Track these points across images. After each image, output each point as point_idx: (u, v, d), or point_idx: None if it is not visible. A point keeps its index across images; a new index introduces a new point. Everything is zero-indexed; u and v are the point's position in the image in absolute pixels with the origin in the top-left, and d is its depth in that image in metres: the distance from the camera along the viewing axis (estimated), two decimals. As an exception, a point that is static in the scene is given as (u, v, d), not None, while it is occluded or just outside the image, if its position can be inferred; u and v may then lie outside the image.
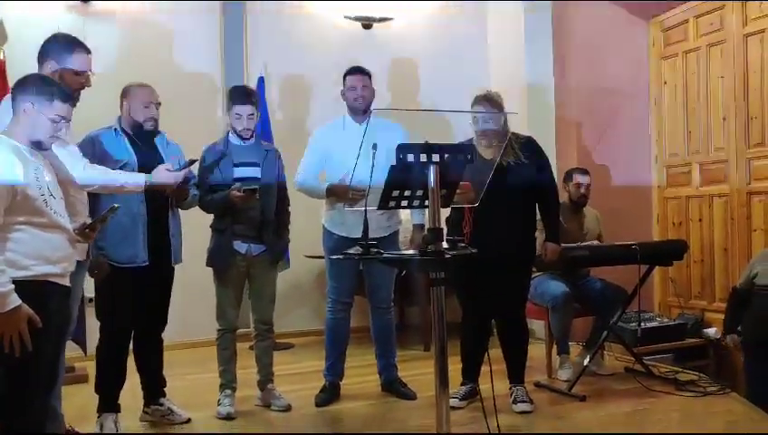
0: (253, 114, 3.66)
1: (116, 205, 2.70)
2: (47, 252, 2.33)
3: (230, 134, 3.72)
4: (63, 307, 2.48)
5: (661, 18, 5.65)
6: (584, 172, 4.59)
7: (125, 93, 3.44)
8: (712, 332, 5.10)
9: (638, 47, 5.75)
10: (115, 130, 3.40)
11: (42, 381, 2.37)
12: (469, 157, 2.58)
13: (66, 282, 2.43)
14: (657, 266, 4.44)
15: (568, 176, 4.54)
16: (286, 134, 5.28)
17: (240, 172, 3.63)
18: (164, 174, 3.16)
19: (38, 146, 2.42)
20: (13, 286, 2.21)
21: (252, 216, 3.61)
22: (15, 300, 2.21)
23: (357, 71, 3.88)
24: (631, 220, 5.53)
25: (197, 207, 3.66)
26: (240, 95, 3.70)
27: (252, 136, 3.70)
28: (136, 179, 3.10)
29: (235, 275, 3.65)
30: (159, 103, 3.45)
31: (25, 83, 2.43)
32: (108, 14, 5.22)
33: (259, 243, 3.65)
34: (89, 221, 2.62)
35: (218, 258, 3.63)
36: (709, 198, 5.30)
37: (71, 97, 2.51)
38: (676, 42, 5.55)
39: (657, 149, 5.75)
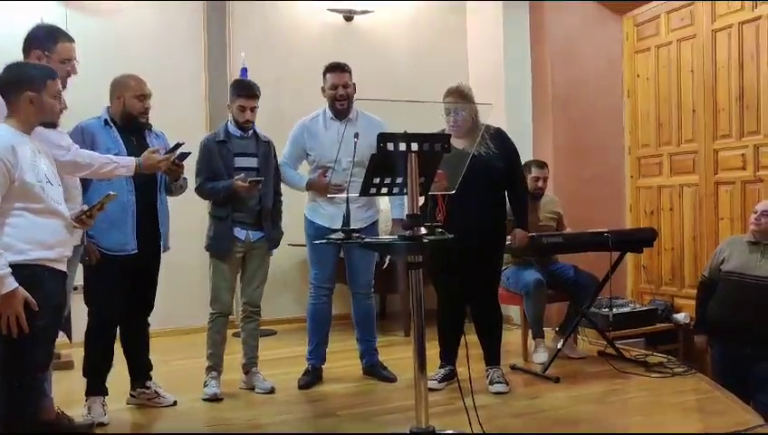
0: (255, 107, 3.78)
1: (112, 192, 2.79)
2: (43, 237, 2.41)
3: (229, 124, 3.82)
4: (59, 291, 2.55)
5: (635, 13, 5.80)
6: (541, 165, 4.73)
7: (118, 85, 3.47)
8: (681, 317, 5.28)
9: (613, 41, 5.89)
10: (105, 120, 3.45)
11: (37, 362, 2.45)
12: (446, 146, 2.70)
13: (62, 267, 2.51)
14: (628, 253, 4.62)
15: (526, 167, 4.58)
16: (268, 125, 5.30)
17: (240, 162, 3.74)
18: (153, 157, 3.21)
19: (50, 125, 2.55)
20: (10, 270, 2.29)
21: (251, 204, 3.74)
22: (13, 283, 2.29)
23: (337, 68, 3.93)
24: (605, 209, 5.69)
25: (196, 193, 3.76)
26: (246, 88, 3.82)
27: (251, 128, 3.81)
28: (127, 162, 3.16)
29: (233, 260, 3.76)
30: (151, 95, 3.51)
31: (12, 76, 2.49)
32: (90, 7, 5.26)
33: (257, 230, 3.77)
34: (85, 208, 2.69)
35: (219, 244, 3.74)
36: (679, 187, 5.47)
37: (54, 72, 2.61)
38: (649, 36, 5.70)
39: (630, 140, 5.91)
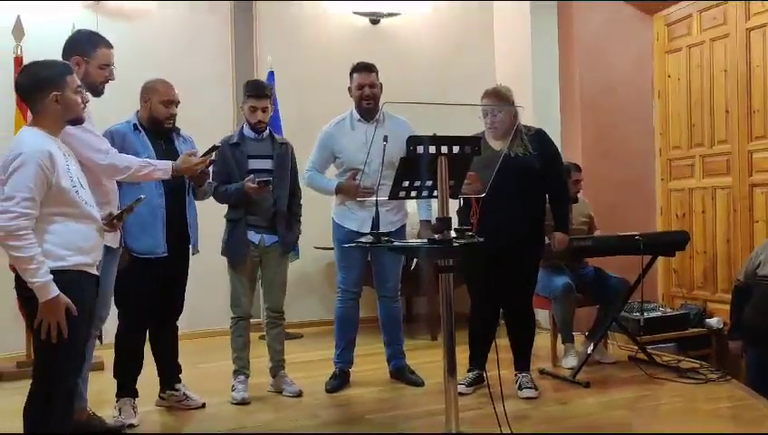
0: (267, 108, 3.75)
1: (142, 196, 2.81)
2: (80, 242, 2.42)
3: (244, 127, 3.81)
4: (94, 295, 2.57)
5: (665, 13, 5.71)
6: (578, 168, 4.67)
7: (147, 89, 3.49)
8: (714, 322, 5.18)
9: (643, 42, 5.81)
10: (134, 125, 3.47)
11: (74, 365, 2.47)
12: (476, 149, 2.67)
13: (96, 271, 2.52)
14: (659, 257, 4.54)
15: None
16: (295, 128, 5.35)
17: (254, 164, 3.72)
18: (190, 160, 3.22)
19: (76, 121, 2.52)
20: (52, 277, 2.30)
21: (265, 207, 3.71)
22: (55, 290, 2.30)
23: (363, 68, 3.90)
24: (635, 213, 5.61)
25: (213, 198, 3.74)
26: (255, 88, 3.78)
27: (266, 129, 3.79)
28: (164, 165, 3.18)
29: (248, 264, 3.75)
30: (179, 102, 3.52)
31: (31, 79, 2.45)
32: (120, 12, 5.33)
33: (272, 233, 3.75)
34: (115, 211, 2.71)
35: (232, 248, 3.73)
36: (712, 190, 5.37)
37: (69, 67, 2.59)
38: (680, 36, 5.61)
39: (660, 142, 5.82)
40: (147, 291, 3.44)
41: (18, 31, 4.50)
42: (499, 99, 3.64)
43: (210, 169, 3.63)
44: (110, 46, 3.12)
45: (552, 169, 3.74)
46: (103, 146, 2.97)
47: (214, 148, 3.35)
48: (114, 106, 3.53)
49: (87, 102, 2.65)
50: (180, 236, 3.51)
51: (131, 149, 3.36)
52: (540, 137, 3.75)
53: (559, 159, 3.85)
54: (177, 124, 3.61)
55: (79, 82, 2.55)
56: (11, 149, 2.39)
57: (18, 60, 4.45)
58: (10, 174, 2.30)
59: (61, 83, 2.44)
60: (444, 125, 2.96)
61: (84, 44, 3.05)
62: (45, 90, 2.42)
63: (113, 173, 2.96)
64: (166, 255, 3.43)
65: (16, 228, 2.26)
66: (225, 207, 3.83)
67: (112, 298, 3.25)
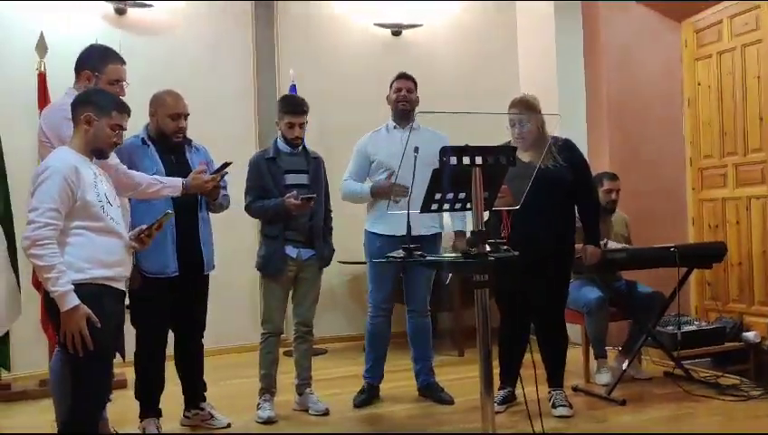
0: (303, 123, 3.72)
1: (169, 211, 2.76)
2: (103, 256, 2.42)
3: (279, 141, 3.77)
4: (118, 310, 2.56)
5: (694, 19, 5.60)
6: (613, 177, 4.56)
7: (154, 100, 3.41)
8: (752, 336, 5.00)
9: (671, 48, 5.69)
10: (143, 139, 3.40)
11: (103, 380, 2.44)
12: (512, 159, 2.58)
13: (121, 286, 2.51)
14: (694, 269, 4.40)
15: (597, 180, 4.50)
16: (317, 140, 5.30)
17: (290, 179, 3.68)
18: (200, 178, 3.17)
19: (99, 154, 2.53)
20: (72, 287, 2.31)
21: (302, 222, 3.67)
22: (75, 299, 2.31)
23: (403, 76, 3.96)
24: (666, 223, 5.47)
25: (246, 212, 3.70)
26: (293, 105, 3.77)
27: (301, 144, 3.75)
28: (173, 183, 3.12)
29: (285, 279, 3.70)
30: (188, 114, 3.43)
31: (85, 95, 2.56)
32: (143, 26, 5.32)
33: (308, 247, 3.71)
34: (143, 227, 2.67)
35: (271, 264, 3.67)
36: (746, 199, 5.22)
37: (126, 107, 2.61)
38: (710, 42, 5.48)
39: (691, 151, 5.68)
40: (161, 311, 3.38)
41: (41, 47, 4.49)
42: (527, 108, 3.56)
43: (225, 183, 3.59)
44: (122, 62, 3.09)
45: (583, 180, 3.66)
46: (112, 162, 2.90)
47: (225, 164, 3.30)
48: (133, 121, 3.47)
49: (119, 145, 2.65)
50: (193, 253, 3.42)
51: (140, 164, 3.29)
52: (568, 148, 3.66)
53: (588, 171, 3.76)
54: (196, 138, 3.56)
55: (124, 126, 2.58)
56: (42, 164, 2.45)
57: (41, 76, 4.44)
58: (37, 186, 2.36)
59: (103, 112, 2.50)
60: (470, 138, 2.86)
61: (95, 60, 3.04)
62: (86, 107, 2.49)
63: (121, 189, 2.90)
64: (177, 274, 3.36)
65: (40, 238, 2.30)
66: (245, 221, 3.76)
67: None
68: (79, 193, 2.36)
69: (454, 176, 2.50)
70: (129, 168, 3.23)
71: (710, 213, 5.54)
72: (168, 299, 3.36)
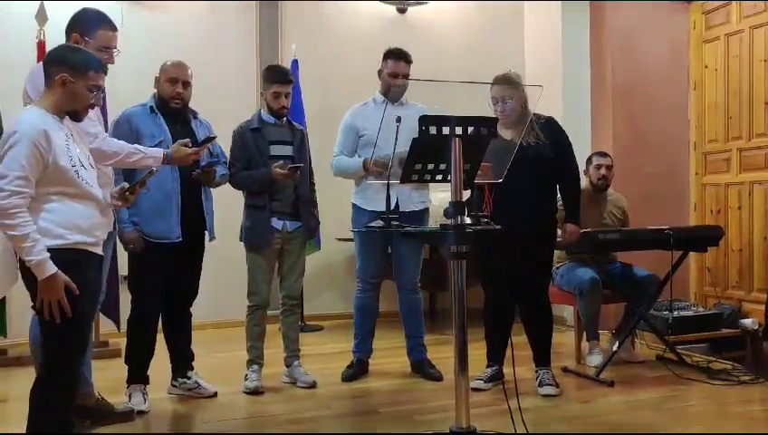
0: (289, 93, 3.71)
1: (154, 168, 2.76)
2: (80, 221, 2.37)
3: (263, 112, 3.75)
4: (97, 275, 2.53)
5: (702, 1, 5.50)
6: (603, 154, 4.50)
7: (160, 70, 3.47)
8: (749, 322, 4.95)
9: (678, 30, 5.60)
10: (150, 107, 3.42)
11: (78, 346, 2.43)
12: (492, 130, 2.55)
13: (99, 250, 2.47)
14: (692, 255, 4.34)
15: (588, 160, 4.45)
16: (319, 117, 5.30)
17: (275, 150, 3.67)
18: (183, 150, 3.12)
19: (74, 116, 2.44)
20: (48, 254, 2.26)
21: (287, 193, 3.67)
22: (52, 267, 2.26)
23: (401, 56, 3.87)
24: (668, 207, 5.40)
25: (230, 183, 3.69)
26: (281, 74, 3.74)
27: (286, 115, 3.73)
28: (155, 153, 3.09)
29: (271, 251, 3.69)
30: (188, 82, 3.45)
31: (59, 54, 2.43)
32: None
33: (294, 219, 3.70)
34: (126, 185, 2.65)
35: (256, 235, 3.66)
36: (749, 185, 5.15)
37: (103, 66, 2.50)
38: (718, 24, 5.39)
39: (695, 135, 5.60)
40: (160, 277, 3.40)
41: (41, 16, 4.49)
42: (510, 85, 3.50)
43: (225, 158, 3.59)
44: (113, 29, 3.04)
45: (564, 158, 3.61)
46: (93, 129, 2.87)
47: (209, 139, 3.30)
48: (135, 94, 3.48)
49: (95, 107, 2.58)
50: (196, 222, 3.47)
51: (146, 132, 3.33)
52: (551, 125, 3.61)
53: (570, 148, 3.69)
54: (200, 112, 3.57)
55: (101, 85, 2.46)
56: (10, 125, 2.35)
57: (41, 44, 4.45)
58: (5, 152, 2.26)
59: (79, 72, 2.38)
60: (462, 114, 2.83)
61: (86, 23, 2.99)
62: (60, 69, 2.37)
63: (99, 158, 2.85)
64: (180, 240, 3.38)
65: (10, 207, 2.22)
66: (239, 195, 3.76)
67: (105, 279, 3.16)
68: (50, 158, 2.28)
69: (435, 146, 2.48)
70: (137, 134, 3.26)
71: (712, 198, 5.47)
72: (168, 265, 3.38)
